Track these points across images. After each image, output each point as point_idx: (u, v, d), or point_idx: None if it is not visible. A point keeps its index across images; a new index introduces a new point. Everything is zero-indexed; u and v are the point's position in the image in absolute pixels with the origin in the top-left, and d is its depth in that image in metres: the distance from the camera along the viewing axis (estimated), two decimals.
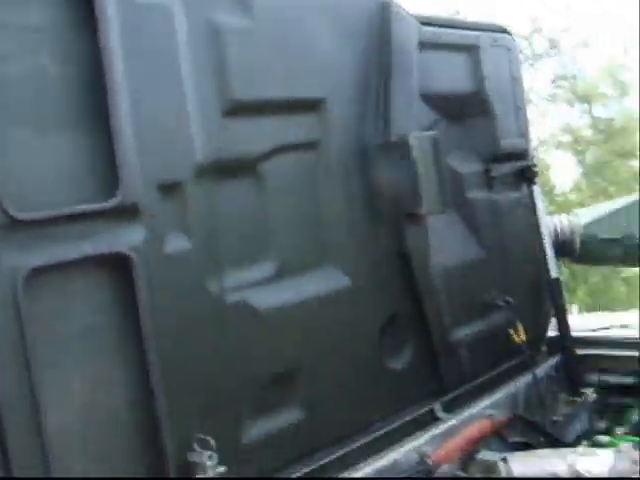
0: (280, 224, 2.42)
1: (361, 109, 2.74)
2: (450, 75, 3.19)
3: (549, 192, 18.57)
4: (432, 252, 2.92)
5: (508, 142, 3.38)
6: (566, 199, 19.45)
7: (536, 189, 3.52)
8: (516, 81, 3.47)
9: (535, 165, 3.53)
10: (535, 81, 21.22)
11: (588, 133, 23.20)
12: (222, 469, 1.99)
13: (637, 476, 2.49)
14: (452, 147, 3.14)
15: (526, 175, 3.48)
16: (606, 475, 2.53)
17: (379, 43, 2.79)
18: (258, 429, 2.26)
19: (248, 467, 2.20)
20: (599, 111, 23.08)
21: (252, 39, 2.34)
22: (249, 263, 2.30)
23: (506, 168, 3.38)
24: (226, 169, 2.25)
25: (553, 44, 22.41)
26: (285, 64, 2.46)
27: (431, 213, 2.86)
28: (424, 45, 2.97)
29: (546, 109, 22.77)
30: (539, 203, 3.54)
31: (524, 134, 3.51)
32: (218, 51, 2.24)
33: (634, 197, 4.64)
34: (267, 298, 2.31)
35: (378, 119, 2.77)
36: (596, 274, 20.55)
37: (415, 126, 2.86)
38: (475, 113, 3.29)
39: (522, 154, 3.49)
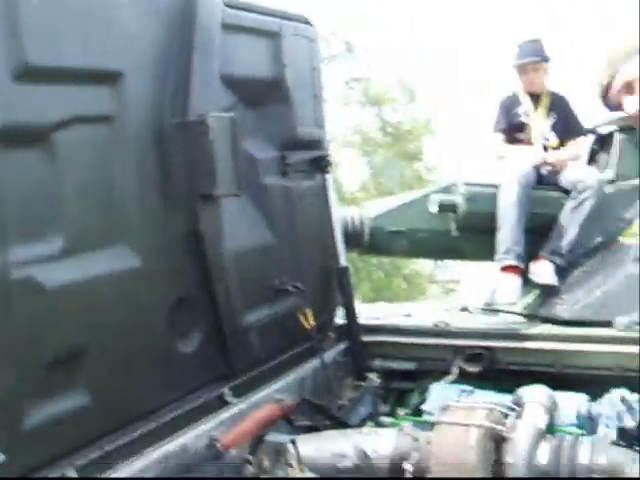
0: (71, 199, 2.27)
1: (160, 86, 2.65)
2: (251, 60, 3.16)
3: (338, 190, 19.07)
4: (225, 235, 2.89)
5: (305, 130, 3.41)
6: (354, 198, 20.07)
7: (329, 179, 3.60)
8: (315, 72, 3.52)
9: (329, 155, 3.61)
10: (330, 82, 21.78)
11: (377, 135, 24.11)
12: (1, 457, 1.87)
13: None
14: (249, 131, 3.13)
15: (320, 164, 3.54)
16: (390, 451, 2.63)
17: (182, 20, 2.71)
18: (41, 413, 2.12)
19: (29, 454, 2.07)
20: (388, 115, 24.07)
21: (50, 1, 2.19)
22: (37, 238, 2.14)
23: (301, 156, 3.41)
24: (15, 137, 2.07)
25: (349, 47, 23.09)
26: (84, 32, 2.30)
27: (225, 195, 2.83)
28: (227, 27, 2.92)
29: (339, 110, 23.42)
30: (331, 193, 3.62)
31: (321, 124, 3.57)
32: (12, 10, 2.05)
33: (420, 192, 4.88)
34: (54, 275, 2.16)
35: (177, 97, 2.69)
36: (379, 271, 21.45)
37: (214, 107, 2.79)
38: (274, 100, 3.28)
39: (318, 143, 3.54)
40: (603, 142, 5.35)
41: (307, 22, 3.51)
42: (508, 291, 4.25)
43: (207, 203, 2.78)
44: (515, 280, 4.27)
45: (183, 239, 2.76)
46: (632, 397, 2.99)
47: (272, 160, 3.28)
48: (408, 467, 2.57)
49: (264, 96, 3.24)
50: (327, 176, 3.58)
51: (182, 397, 2.72)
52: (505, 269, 4.29)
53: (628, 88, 2.45)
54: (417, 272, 23.07)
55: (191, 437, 2.57)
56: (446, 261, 24.44)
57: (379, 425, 3.14)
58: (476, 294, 5.22)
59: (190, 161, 2.69)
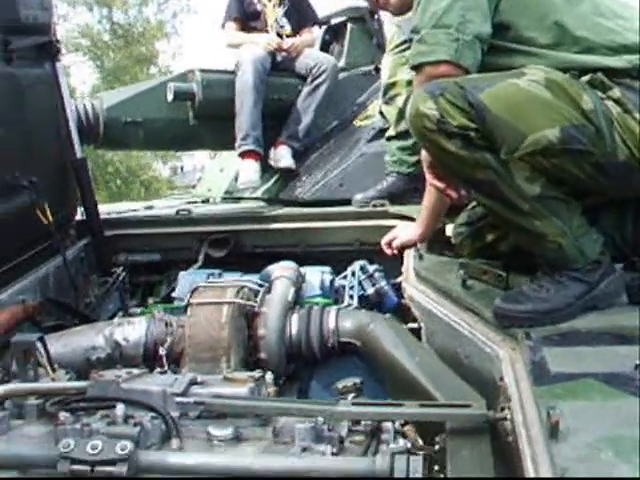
0: None
1: None
2: None
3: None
4: None
5: (29, 13, 3.15)
6: None
7: (59, 67, 3.38)
8: None
9: (58, 41, 3.37)
10: None
11: (107, 38, 23.23)
12: None
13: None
14: None
15: (49, 51, 3.30)
16: (143, 338, 2.59)
17: None
18: None
19: None
20: (119, 17, 23.22)
21: None
22: None
23: (27, 41, 3.16)
24: None
25: None
26: None
27: None
28: None
29: (64, 10, 22.25)
30: (63, 82, 3.42)
31: (47, 7, 3.31)
32: None
33: (156, 81, 4.73)
34: None
35: None
36: (115, 178, 20.94)
37: None
38: None
39: (44, 28, 3.28)
40: (335, 32, 5.48)
41: None
42: (249, 175, 4.28)
43: None
44: (255, 165, 4.30)
45: None
46: (371, 267, 3.17)
47: None
48: (162, 351, 2.56)
49: None
50: (57, 64, 3.35)
51: None
52: (244, 154, 4.30)
53: None
54: (155, 178, 22.86)
55: None
56: (185, 167, 24.35)
57: (130, 316, 3.08)
58: (217, 187, 5.25)
59: None
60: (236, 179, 4.47)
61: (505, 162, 1.84)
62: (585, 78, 1.93)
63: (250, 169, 4.28)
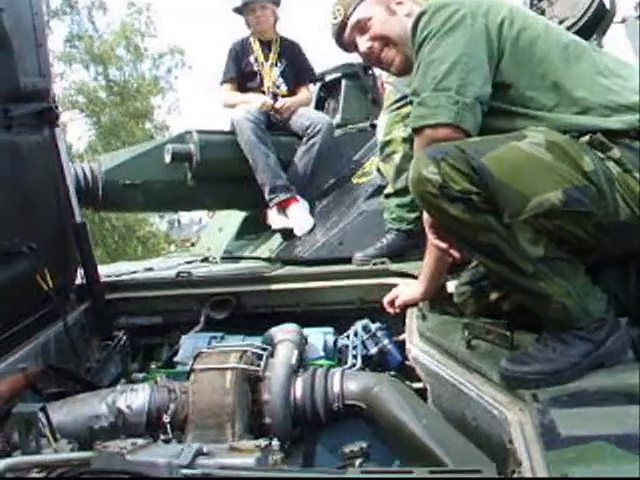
0: None
1: None
2: None
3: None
4: None
5: (28, 81, 3.18)
6: (82, 160, 19.38)
7: (58, 132, 3.40)
8: (37, 17, 3.28)
9: (57, 107, 3.40)
10: (49, 40, 20.76)
11: (103, 95, 23.44)
12: None
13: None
14: None
15: (47, 117, 3.33)
16: (146, 405, 2.56)
17: None
18: None
19: None
20: (114, 73, 23.48)
21: None
22: None
23: (26, 108, 3.18)
24: None
25: (71, 3, 22.19)
26: None
27: None
28: None
29: (60, 69, 22.51)
30: (62, 147, 3.43)
31: (45, 74, 3.34)
32: None
33: (154, 143, 4.75)
34: None
35: None
36: (113, 235, 20.96)
37: None
38: None
39: (43, 95, 3.32)
40: (330, 88, 5.54)
41: None
42: (304, 220, 4.32)
43: None
44: (299, 207, 4.35)
45: None
46: (373, 326, 3.16)
47: None
48: (166, 419, 2.53)
49: None
50: (56, 129, 3.37)
51: None
52: (281, 205, 4.34)
53: (361, 28, 2.54)
54: (153, 233, 22.88)
55: None
56: (182, 220, 24.38)
57: (132, 382, 3.05)
58: (216, 246, 5.24)
59: None
60: (236, 238, 4.45)
61: (508, 225, 1.84)
62: (585, 139, 1.94)
63: (300, 213, 4.33)
